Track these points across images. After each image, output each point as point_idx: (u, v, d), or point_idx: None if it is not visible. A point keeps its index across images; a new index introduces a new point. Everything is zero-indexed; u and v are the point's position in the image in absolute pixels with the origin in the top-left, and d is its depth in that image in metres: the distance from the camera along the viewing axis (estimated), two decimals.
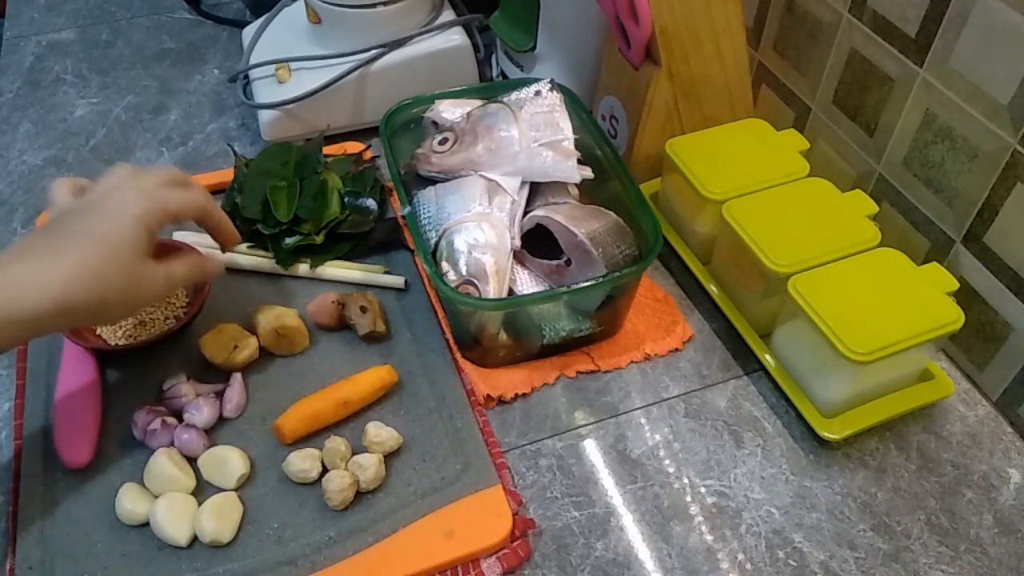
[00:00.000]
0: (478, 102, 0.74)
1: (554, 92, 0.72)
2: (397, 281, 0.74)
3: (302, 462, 0.60)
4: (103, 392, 0.66)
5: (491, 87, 0.87)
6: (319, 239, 0.74)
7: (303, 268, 0.75)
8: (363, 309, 0.68)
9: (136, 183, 0.56)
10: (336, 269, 0.75)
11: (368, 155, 0.85)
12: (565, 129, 0.69)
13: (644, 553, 0.58)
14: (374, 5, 0.85)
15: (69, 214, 0.55)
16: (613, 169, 0.71)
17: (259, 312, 0.69)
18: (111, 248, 0.52)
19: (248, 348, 0.67)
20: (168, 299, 0.70)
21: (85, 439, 0.62)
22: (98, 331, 0.68)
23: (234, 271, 0.75)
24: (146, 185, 0.56)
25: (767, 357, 0.68)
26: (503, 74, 0.96)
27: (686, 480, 0.62)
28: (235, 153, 0.82)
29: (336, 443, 0.61)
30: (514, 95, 0.72)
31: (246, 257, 0.75)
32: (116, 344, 0.67)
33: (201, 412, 0.63)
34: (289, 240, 0.75)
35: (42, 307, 0.49)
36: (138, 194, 0.55)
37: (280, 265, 0.74)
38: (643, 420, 0.66)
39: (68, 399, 0.64)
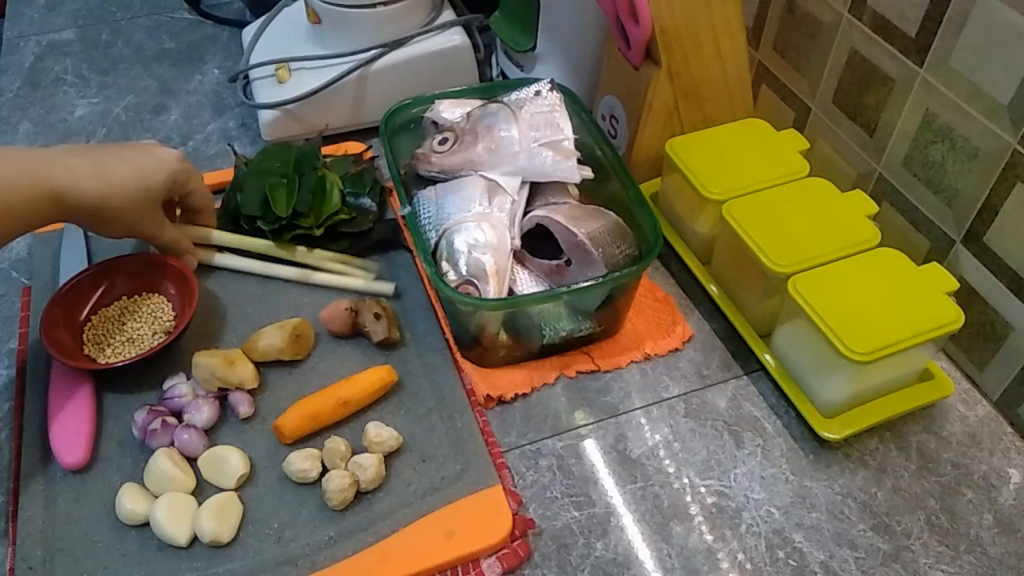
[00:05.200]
0: (478, 102, 0.74)
1: (554, 92, 0.72)
2: (386, 288, 0.73)
3: (302, 462, 0.60)
4: (102, 392, 0.66)
5: (491, 87, 0.87)
6: (318, 232, 0.74)
7: (300, 251, 0.74)
8: (377, 316, 0.68)
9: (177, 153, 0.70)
10: (326, 276, 0.74)
11: (368, 155, 0.85)
12: (565, 129, 0.69)
13: (644, 553, 0.58)
14: (374, 5, 0.85)
15: (129, 145, 0.69)
16: (613, 169, 0.71)
17: (261, 335, 0.68)
18: (145, 181, 0.65)
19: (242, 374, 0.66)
20: (155, 313, 0.70)
21: (81, 440, 0.62)
22: (85, 351, 0.67)
23: (226, 274, 0.75)
24: (183, 157, 0.70)
25: (767, 357, 0.68)
26: (503, 74, 0.96)
27: (686, 480, 0.62)
28: (235, 153, 0.82)
29: (336, 443, 0.61)
30: (514, 95, 0.72)
31: (238, 239, 0.75)
32: (106, 363, 0.66)
33: (201, 412, 0.63)
34: (291, 233, 0.75)
35: (95, 194, 0.62)
36: (178, 158, 0.69)
37: (277, 244, 0.74)
38: (643, 420, 0.66)
39: (61, 401, 0.64)
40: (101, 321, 0.69)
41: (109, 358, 0.67)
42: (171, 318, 0.70)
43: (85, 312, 0.69)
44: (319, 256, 0.75)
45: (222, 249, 0.76)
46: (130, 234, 0.67)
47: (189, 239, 0.72)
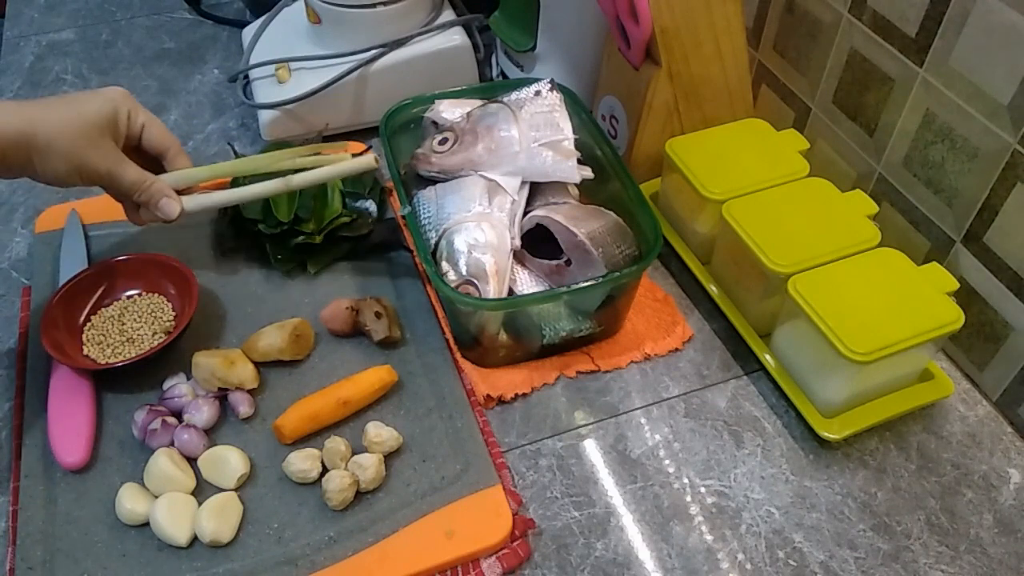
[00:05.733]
0: (478, 102, 0.74)
1: (554, 92, 0.72)
2: (368, 161, 0.66)
3: (302, 462, 0.60)
4: (102, 392, 0.66)
5: (491, 87, 0.87)
6: (318, 239, 0.74)
7: (270, 160, 0.68)
8: (378, 315, 0.68)
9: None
10: (307, 175, 0.66)
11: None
12: (565, 129, 0.69)
13: (644, 553, 0.58)
14: (374, 5, 0.85)
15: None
16: (613, 169, 0.71)
17: (261, 336, 0.68)
18: (77, 106, 0.59)
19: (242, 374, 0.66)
20: (154, 313, 0.70)
21: (81, 440, 0.62)
22: (85, 351, 0.67)
23: (226, 274, 0.75)
24: (128, 93, 0.63)
25: (767, 357, 0.68)
26: (503, 74, 0.96)
27: (686, 480, 0.62)
28: (235, 153, 0.82)
29: (336, 443, 0.61)
30: (514, 95, 0.72)
31: (210, 169, 0.67)
32: (106, 363, 0.66)
33: (201, 412, 0.63)
34: (292, 239, 0.75)
35: (18, 122, 0.57)
36: (122, 91, 0.62)
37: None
38: (643, 420, 0.66)
39: (61, 401, 0.64)
40: (101, 321, 0.69)
41: (109, 358, 0.67)
42: (171, 318, 0.70)
43: (85, 312, 0.69)
44: (290, 157, 0.67)
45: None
46: (81, 173, 0.59)
47: (160, 182, 0.63)
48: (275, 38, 0.92)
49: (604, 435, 0.65)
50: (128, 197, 0.62)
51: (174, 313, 0.70)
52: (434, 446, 0.63)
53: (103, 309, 0.70)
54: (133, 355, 0.66)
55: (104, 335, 0.68)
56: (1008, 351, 0.65)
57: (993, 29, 0.58)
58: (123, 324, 0.69)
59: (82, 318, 0.69)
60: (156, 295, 0.71)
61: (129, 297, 0.71)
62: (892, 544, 0.59)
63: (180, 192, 0.64)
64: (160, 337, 0.68)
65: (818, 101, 0.78)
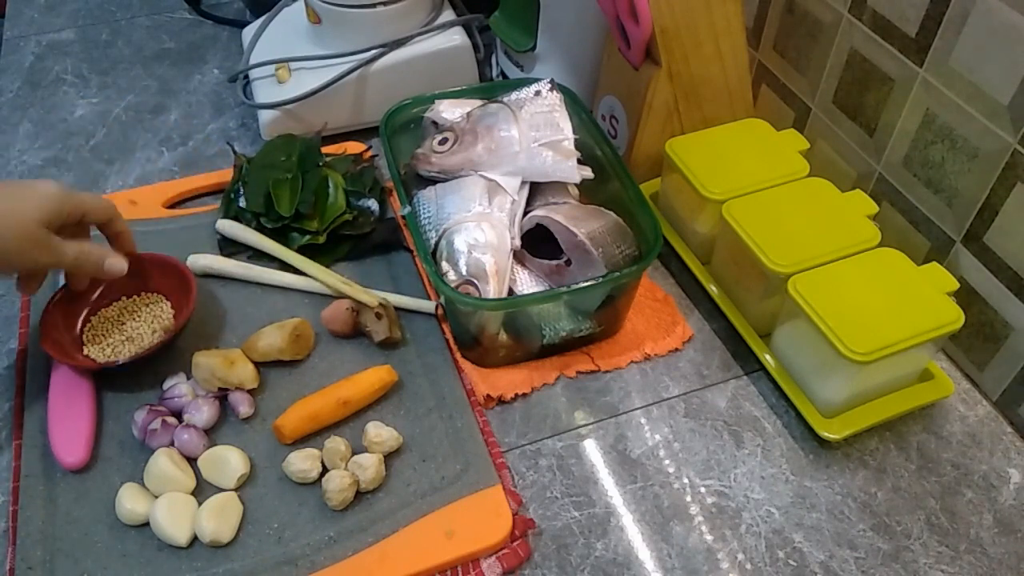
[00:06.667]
0: (478, 102, 0.74)
1: (554, 92, 0.72)
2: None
3: (302, 462, 0.60)
4: (102, 392, 0.66)
5: (491, 87, 0.87)
6: (322, 239, 0.74)
7: (305, 265, 0.74)
8: (378, 316, 0.68)
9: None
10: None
11: (368, 155, 0.85)
12: (565, 129, 0.69)
13: (644, 553, 0.58)
14: (374, 5, 0.85)
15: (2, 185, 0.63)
16: (613, 169, 0.71)
17: (261, 336, 0.68)
18: (12, 207, 0.59)
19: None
20: (154, 312, 0.70)
21: (81, 440, 0.62)
22: (85, 351, 0.67)
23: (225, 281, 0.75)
24: (60, 183, 0.63)
25: (767, 357, 0.68)
26: (503, 74, 0.96)
27: (686, 480, 0.62)
28: (235, 152, 0.82)
29: (336, 443, 0.61)
30: (514, 95, 0.72)
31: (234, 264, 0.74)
32: (106, 361, 0.66)
33: (201, 412, 0.63)
34: (296, 238, 0.75)
35: None
36: (55, 183, 0.62)
37: (280, 267, 0.75)
38: (643, 420, 0.66)
39: (61, 401, 0.64)
40: (101, 321, 0.69)
41: (109, 357, 0.67)
42: (170, 317, 0.70)
43: (85, 313, 0.70)
44: (321, 272, 0.73)
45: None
46: (24, 268, 0.62)
47: (96, 251, 0.64)
48: (275, 38, 0.92)
49: (604, 435, 0.65)
50: (70, 270, 0.66)
51: (173, 312, 0.70)
52: (434, 446, 0.63)
53: (103, 310, 0.70)
54: (133, 353, 0.66)
55: (104, 335, 0.68)
56: (1008, 351, 0.65)
57: (993, 29, 0.58)
58: (123, 324, 0.69)
59: (82, 319, 0.69)
60: (155, 295, 0.72)
61: (128, 297, 0.71)
62: (892, 544, 0.59)
63: None
64: (160, 335, 0.68)
65: (818, 101, 0.78)
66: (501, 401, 0.67)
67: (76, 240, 0.63)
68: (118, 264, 0.65)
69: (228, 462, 0.61)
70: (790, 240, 0.65)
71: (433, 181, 0.71)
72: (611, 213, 0.69)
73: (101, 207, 0.65)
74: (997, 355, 0.66)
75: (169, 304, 0.71)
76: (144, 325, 0.69)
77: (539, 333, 0.68)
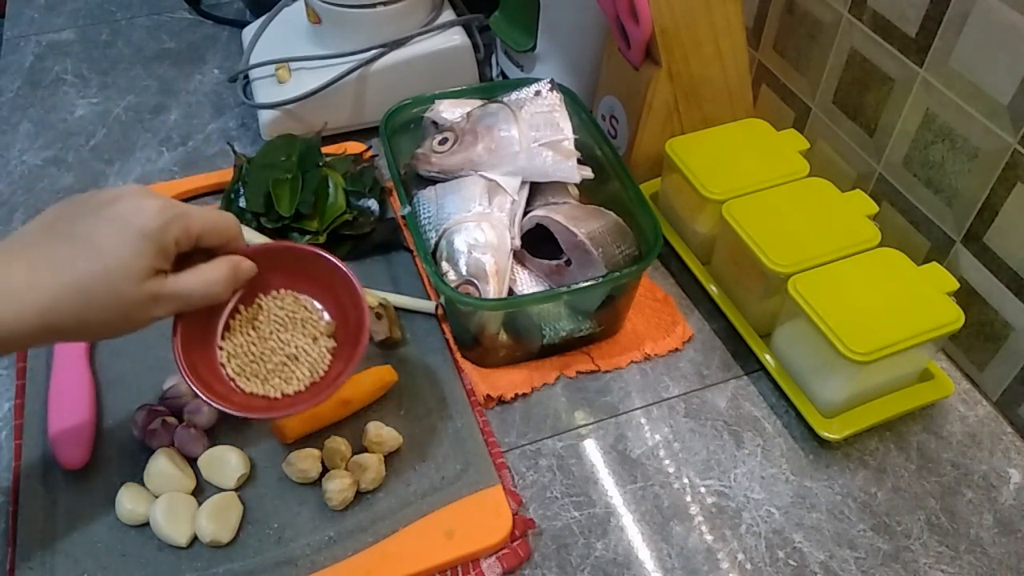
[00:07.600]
0: (478, 102, 0.74)
1: (554, 92, 0.72)
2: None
3: (302, 462, 0.60)
4: (102, 392, 0.66)
5: (491, 87, 0.87)
6: (322, 239, 0.74)
7: None
8: (378, 316, 0.68)
9: (158, 195, 0.49)
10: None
11: (368, 155, 0.85)
12: (565, 129, 0.69)
13: (644, 553, 0.58)
14: (374, 5, 0.85)
15: (78, 210, 0.48)
16: (613, 169, 0.71)
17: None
18: (104, 266, 0.46)
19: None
20: (300, 317, 0.58)
21: (81, 440, 0.61)
22: (227, 373, 0.56)
23: None
24: (169, 199, 0.50)
25: (767, 357, 0.68)
26: (503, 74, 0.96)
27: (686, 480, 0.62)
28: (235, 152, 0.82)
29: (336, 443, 0.61)
30: (514, 95, 0.72)
31: None
32: (283, 395, 0.56)
33: (201, 412, 0.63)
34: (297, 238, 0.75)
35: (24, 323, 0.44)
36: (159, 204, 0.48)
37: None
38: (643, 420, 0.66)
39: (61, 401, 0.64)
40: (240, 327, 0.56)
41: (266, 390, 0.54)
42: (323, 316, 0.57)
43: (223, 317, 0.55)
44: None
45: None
46: (127, 332, 0.49)
47: (238, 261, 0.53)
48: (275, 38, 0.92)
49: (604, 435, 0.65)
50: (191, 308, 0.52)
51: (321, 308, 0.56)
52: (434, 446, 0.63)
53: (239, 312, 0.56)
54: (307, 382, 0.53)
55: (249, 358, 0.55)
56: (1008, 351, 0.65)
57: (993, 29, 0.58)
58: (263, 334, 0.55)
59: (220, 326, 0.55)
60: (284, 291, 0.57)
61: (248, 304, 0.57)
62: (892, 544, 0.59)
63: None
64: (329, 346, 0.54)
65: (818, 101, 0.78)
66: (501, 401, 0.67)
67: (195, 267, 0.50)
68: (247, 265, 0.54)
69: (228, 462, 0.61)
70: (790, 240, 0.65)
71: (433, 181, 0.71)
72: (611, 213, 0.69)
73: (217, 228, 0.51)
74: (997, 355, 0.66)
75: (314, 301, 0.57)
76: (298, 336, 0.55)
77: (539, 333, 0.68)
